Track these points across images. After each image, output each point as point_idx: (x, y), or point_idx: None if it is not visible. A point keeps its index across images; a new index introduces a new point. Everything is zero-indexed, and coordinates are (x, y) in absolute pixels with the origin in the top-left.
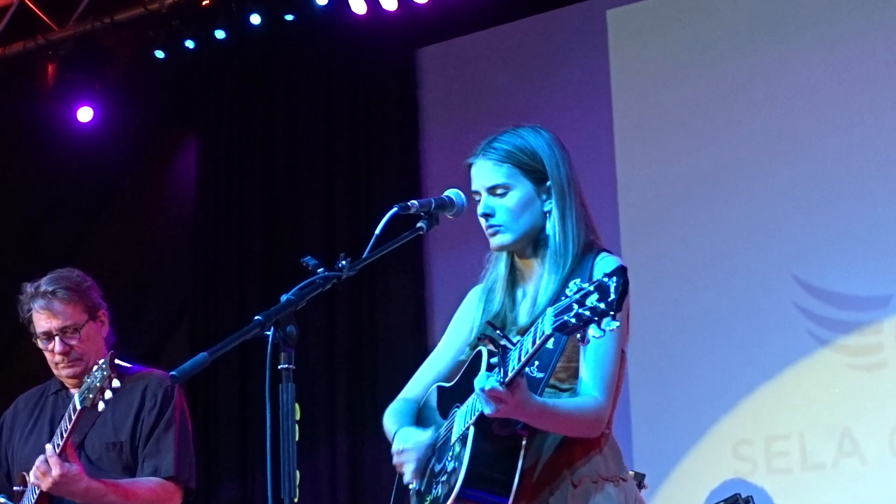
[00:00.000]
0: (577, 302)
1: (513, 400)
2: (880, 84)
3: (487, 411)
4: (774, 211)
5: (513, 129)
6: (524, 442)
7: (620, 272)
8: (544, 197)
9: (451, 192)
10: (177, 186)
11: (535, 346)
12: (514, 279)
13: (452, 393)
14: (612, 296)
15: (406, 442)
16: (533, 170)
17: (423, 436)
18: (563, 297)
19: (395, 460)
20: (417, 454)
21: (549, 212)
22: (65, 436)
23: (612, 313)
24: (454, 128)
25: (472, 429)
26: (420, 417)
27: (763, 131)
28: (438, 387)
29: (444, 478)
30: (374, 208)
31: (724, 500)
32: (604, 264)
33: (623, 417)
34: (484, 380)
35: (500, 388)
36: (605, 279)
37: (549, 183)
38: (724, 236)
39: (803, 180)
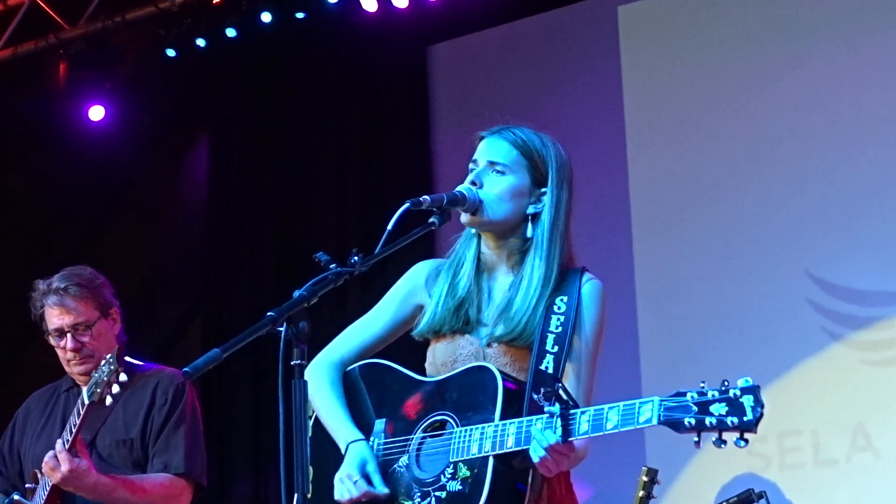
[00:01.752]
0: (696, 404)
1: (561, 454)
2: (893, 80)
3: (538, 459)
4: (787, 207)
5: (538, 130)
6: (530, 477)
7: (757, 391)
8: (534, 199)
9: (463, 188)
10: (188, 184)
11: (629, 428)
12: (479, 266)
13: (426, 391)
14: (750, 416)
15: (364, 481)
16: (537, 169)
17: (380, 486)
18: (677, 396)
19: (347, 479)
20: (369, 491)
21: (534, 216)
22: (74, 431)
23: (744, 433)
24: (465, 124)
25: (491, 459)
26: (347, 387)
27: (775, 128)
28: (389, 367)
29: (439, 493)
30: (386, 204)
31: (737, 496)
32: (592, 287)
33: None
34: (545, 435)
35: (561, 443)
36: (739, 394)
37: (544, 189)
38: (737, 232)
39: (815, 177)
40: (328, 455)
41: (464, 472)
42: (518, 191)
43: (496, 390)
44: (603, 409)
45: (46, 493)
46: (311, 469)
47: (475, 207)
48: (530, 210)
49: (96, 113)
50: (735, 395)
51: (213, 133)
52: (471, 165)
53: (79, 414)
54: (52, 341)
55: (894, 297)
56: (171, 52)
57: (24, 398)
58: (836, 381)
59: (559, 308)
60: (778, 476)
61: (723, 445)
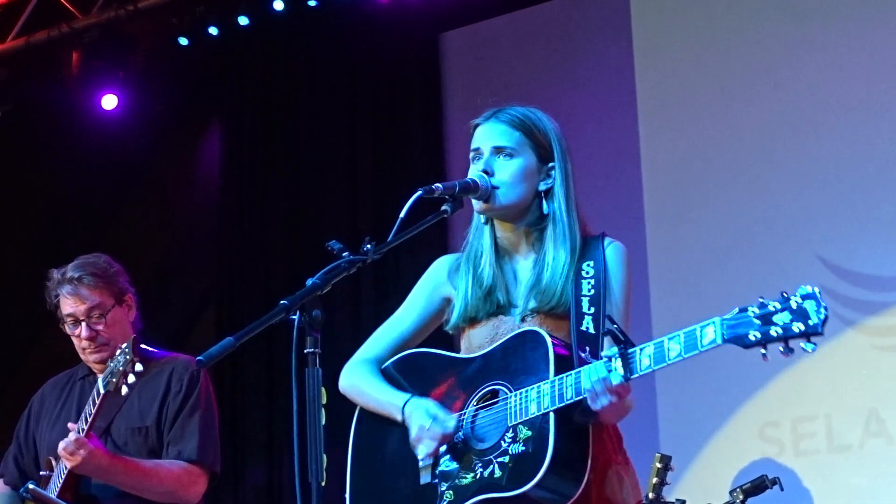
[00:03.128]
0: (759, 318)
1: (624, 396)
2: None
3: (602, 403)
4: (800, 193)
5: (526, 106)
6: (591, 431)
7: (818, 295)
8: (543, 175)
9: (475, 175)
10: (201, 172)
11: (694, 353)
12: (498, 252)
13: (472, 367)
14: (816, 319)
15: (436, 422)
16: (541, 146)
17: (449, 417)
18: (739, 314)
19: (421, 434)
20: (446, 437)
21: (546, 191)
22: (89, 420)
23: (811, 336)
24: (477, 112)
25: (552, 416)
26: (388, 379)
27: (788, 114)
28: (425, 353)
29: (501, 458)
30: (398, 192)
31: (751, 482)
32: (616, 250)
33: (649, 400)
34: (603, 371)
35: (623, 383)
36: (801, 301)
37: (552, 164)
38: (750, 219)
39: (828, 162)
40: (382, 439)
41: (525, 433)
42: (529, 171)
43: (547, 348)
44: (662, 340)
45: (61, 481)
46: (352, 460)
47: (488, 195)
48: (542, 187)
49: (109, 101)
50: (797, 302)
51: (226, 121)
52: (472, 155)
53: (94, 403)
54: (68, 330)
55: None
56: (183, 41)
57: (39, 385)
58: (850, 367)
59: (587, 273)
60: (792, 462)
61: (790, 354)
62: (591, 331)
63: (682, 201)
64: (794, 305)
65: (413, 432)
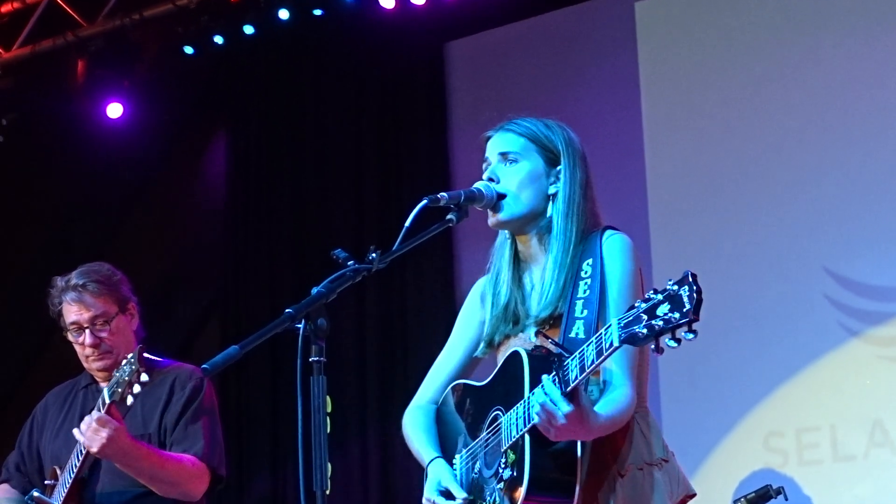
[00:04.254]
0: (645, 312)
1: (574, 413)
2: None
3: (553, 429)
4: (804, 202)
5: (540, 118)
6: (579, 443)
7: (691, 280)
8: (552, 179)
9: (481, 185)
10: (206, 182)
11: (602, 358)
12: (518, 267)
13: (485, 394)
14: (687, 305)
15: (440, 496)
16: (547, 150)
17: (457, 495)
18: (631, 310)
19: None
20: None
21: (554, 195)
22: None
23: (687, 323)
24: (483, 121)
25: (526, 437)
26: (440, 420)
27: (793, 123)
28: (465, 385)
29: (499, 486)
30: (404, 201)
31: (755, 492)
32: (612, 242)
33: (654, 409)
34: (542, 393)
35: (563, 400)
36: (675, 287)
37: (559, 167)
38: (755, 228)
39: (833, 172)
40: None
41: (511, 456)
42: (534, 174)
43: (522, 368)
44: (583, 348)
45: (66, 490)
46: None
47: (493, 203)
48: (551, 190)
49: (114, 110)
50: (672, 290)
51: (231, 130)
52: (484, 165)
53: (100, 412)
54: (71, 337)
55: None
56: (189, 50)
57: (45, 393)
58: (854, 377)
59: (585, 272)
60: (796, 472)
61: (677, 345)
62: (581, 336)
63: (686, 210)
64: (671, 293)
65: (425, 498)
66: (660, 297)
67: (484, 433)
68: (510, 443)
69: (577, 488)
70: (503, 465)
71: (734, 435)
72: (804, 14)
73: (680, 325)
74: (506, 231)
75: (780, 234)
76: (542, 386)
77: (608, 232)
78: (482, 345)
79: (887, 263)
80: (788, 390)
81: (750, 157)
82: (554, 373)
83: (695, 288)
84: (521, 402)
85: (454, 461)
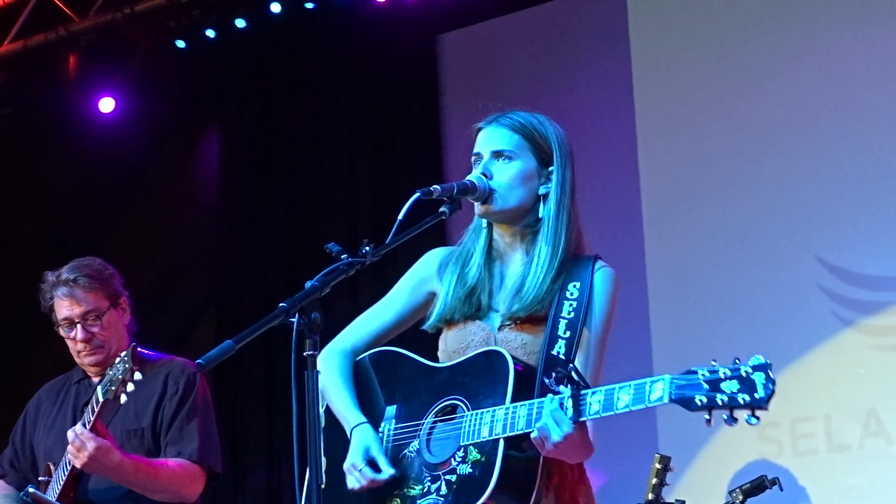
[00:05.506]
0: (707, 382)
1: (574, 437)
2: None
3: (549, 446)
4: (798, 193)
5: (530, 111)
6: (541, 461)
7: (768, 368)
8: (543, 179)
9: (474, 177)
10: (200, 176)
11: (638, 407)
12: (491, 255)
13: (438, 377)
14: (762, 394)
15: (367, 465)
16: (541, 148)
17: (384, 470)
18: (689, 374)
19: (352, 468)
20: (373, 478)
21: (545, 196)
22: (88, 427)
23: (756, 410)
24: (475, 113)
25: (502, 441)
26: (356, 375)
27: (785, 114)
28: (400, 354)
29: (450, 477)
30: (397, 194)
31: (751, 482)
32: (604, 276)
33: None
34: (557, 415)
35: (571, 425)
36: (751, 371)
37: (552, 168)
38: (748, 219)
39: (827, 162)
40: (340, 443)
41: (474, 455)
42: (527, 174)
43: (507, 373)
44: (614, 388)
45: (61, 486)
46: (324, 459)
47: (486, 196)
48: (542, 191)
49: (107, 105)
50: (746, 372)
51: (224, 124)
52: (473, 158)
53: (93, 411)
54: (63, 332)
55: None
56: (181, 44)
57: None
58: (849, 367)
59: (571, 294)
60: (791, 462)
61: (734, 424)
62: (562, 356)
63: (679, 202)
64: (743, 374)
65: (348, 461)
66: (728, 371)
67: (430, 417)
68: (474, 441)
69: (532, 498)
70: (459, 460)
71: (729, 426)
72: (796, 6)
73: (745, 408)
74: (484, 219)
75: (774, 225)
76: (560, 402)
77: (600, 263)
78: (434, 318)
79: (880, 253)
80: (783, 381)
81: (743, 148)
82: (570, 395)
83: (772, 379)
84: (502, 407)
85: (379, 429)
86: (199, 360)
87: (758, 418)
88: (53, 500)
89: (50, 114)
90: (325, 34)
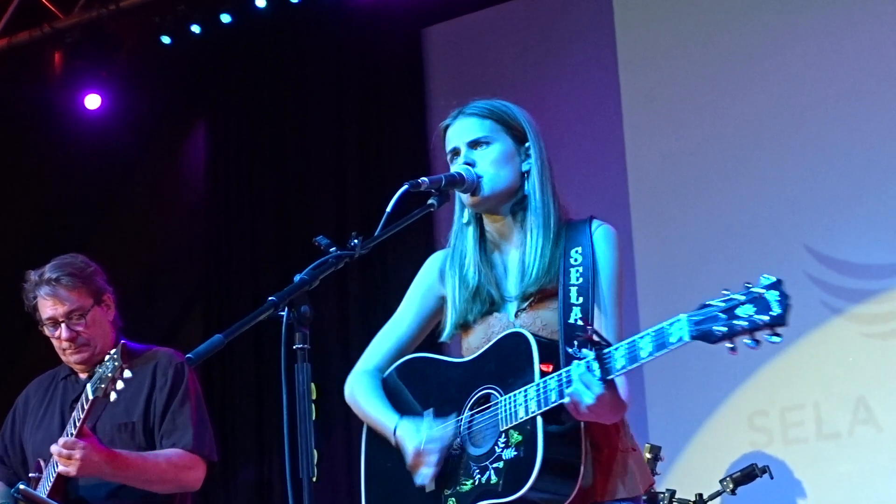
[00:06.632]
0: (724, 312)
1: (605, 397)
2: (891, 54)
3: (583, 409)
4: (785, 182)
5: (488, 97)
6: (583, 425)
7: (780, 285)
8: (523, 156)
9: (461, 168)
10: (187, 171)
11: (663, 352)
12: (486, 248)
13: (466, 371)
14: (778, 310)
15: (430, 441)
16: (513, 128)
17: (444, 432)
18: (704, 308)
19: (417, 460)
20: (442, 454)
21: (527, 172)
22: (78, 426)
23: (775, 328)
24: (461, 105)
25: (539, 418)
26: (385, 390)
27: (772, 103)
28: (423, 358)
29: (497, 465)
30: (385, 187)
31: (741, 471)
32: (602, 234)
33: (638, 391)
34: (585, 373)
35: (601, 385)
36: (761, 290)
37: (528, 144)
38: (736, 209)
39: (814, 151)
40: (387, 455)
41: (516, 437)
42: (508, 154)
43: (531, 351)
44: (634, 340)
45: (51, 483)
46: (365, 477)
47: (475, 186)
48: (524, 167)
49: (93, 101)
50: (759, 293)
51: (211, 119)
52: (450, 156)
53: (83, 409)
54: (47, 332)
55: (894, 269)
56: (166, 39)
57: None
58: (837, 355)
59: (576, 260)
60: (781, 450)
61: (757, 346)
62: (580, 322)
63: (667, 192)
64: (756, 296)
65: (408, 458)
66: (741, 297)
67: (466, 411)
68: (513, 423)
69: (582, 468)
70: (503, 445)
71: (719, 415)
72: None
73: (765, 328)
74: (466, 215)
75: (762, 214)
76: (588, 365)
77: (596, 222)
78: (449, 326)
79: (869, 242)
80: (772, 369)
81: (730, 138)
82: (595, 357)
83: (784, 294)
84: (532, 385)
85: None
86: (188, 355)
87: (780, 335)
88: (44, 496)
89: (35, 111)
90: (311, 28)
